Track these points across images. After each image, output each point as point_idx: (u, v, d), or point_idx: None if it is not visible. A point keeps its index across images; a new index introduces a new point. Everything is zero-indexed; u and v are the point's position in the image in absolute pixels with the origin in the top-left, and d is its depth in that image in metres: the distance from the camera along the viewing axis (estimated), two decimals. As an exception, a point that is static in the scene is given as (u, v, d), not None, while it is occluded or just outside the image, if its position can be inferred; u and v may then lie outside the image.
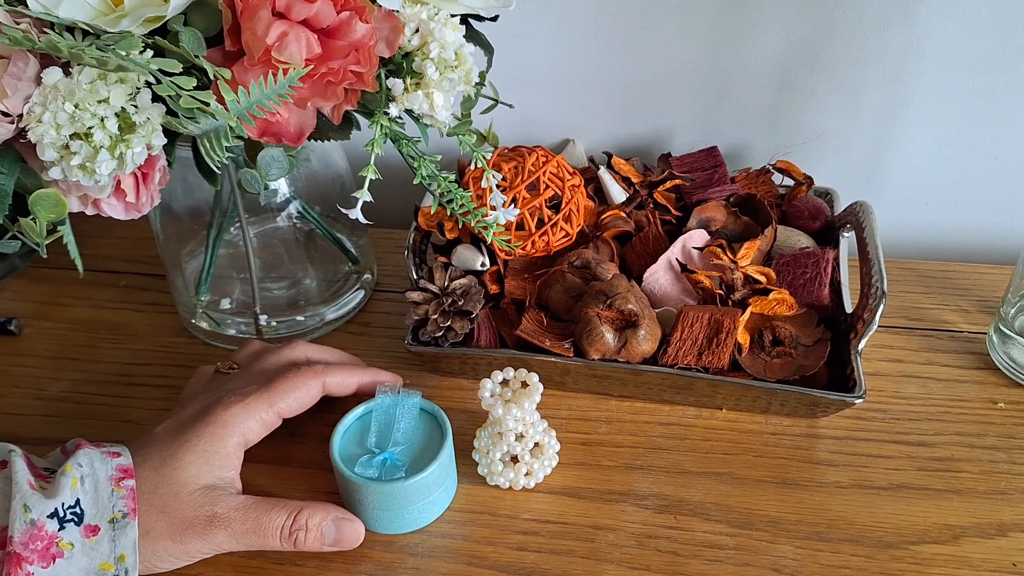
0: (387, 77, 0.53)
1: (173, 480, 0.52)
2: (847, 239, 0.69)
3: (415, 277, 0.67)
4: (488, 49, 0.60)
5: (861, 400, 0.58)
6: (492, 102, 0.61)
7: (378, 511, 0.56)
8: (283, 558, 0.56)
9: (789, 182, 0.74)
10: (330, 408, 0.61)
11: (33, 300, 0.79)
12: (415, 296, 0.65)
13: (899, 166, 0.78)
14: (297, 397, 0.57)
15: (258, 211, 0.70)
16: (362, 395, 0.61)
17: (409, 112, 0.54)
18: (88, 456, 0.51)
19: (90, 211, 0.51)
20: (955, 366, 0.67)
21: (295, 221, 0.71)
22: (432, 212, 0.65)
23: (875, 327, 0.60)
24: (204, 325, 0.72)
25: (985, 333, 0.69)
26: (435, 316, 0.64)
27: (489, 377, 0.57)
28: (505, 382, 0.58)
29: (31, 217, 0.48)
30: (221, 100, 0.46)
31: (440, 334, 0.64)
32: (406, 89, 0.52)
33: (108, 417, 0.67)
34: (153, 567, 0.52)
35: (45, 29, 0.45)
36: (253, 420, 0.55)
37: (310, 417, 0.60)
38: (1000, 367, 0.66)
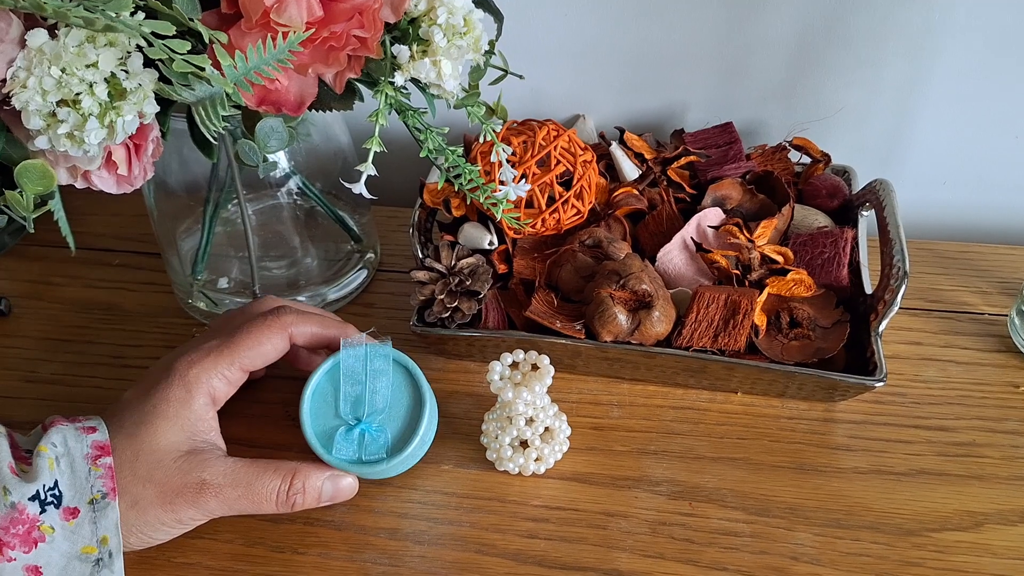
0: (392, 43, 0.50)
1: (153, 447, 0.50)
2: (866, 218, 0.67)
3: (420, 256, 0.65)
4: (498, 16, 0.58)
5: (882, 384, 0.56)
6: (502, 72, 0.59)
7: (362, 480, 0.54)
8: (284, 546, 0.54)
9: (806, 159, 0.72)
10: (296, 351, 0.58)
11: (23, 279, 0.77)
12: (420, 276, 0.63)
13: (918, 144, 0.76)
14: (261, 352, 0.54)
15: (257, 187, 0.67)
16: (333, 349, 0.56)
17: (415, 82, 0.52)
18: (61, 434, 0.49)
19: (80, 184, 0.49)
20: (975, 349, 0.65)
21: (295, 198, 0.69)
22: (438, 188, 0.63)
23: (896, 309, 0.58)
24: (201, 305, 0.70)
25: (1006, 315, 0.67)
26: (441, 296, 0.62)
27: (497, 360, 0.55)
28: (515, 365, 0.56)
29: (17, 190, 0.46)
30: (217, 65, 0.44)
31: (446, 315, 0.62)
32: (412, 56, 0.50)
33: (101, 400, 0.65)
34: (148, 539, 0.50)
35: (31, -12, 0.42)
36: (216, 379, 0.52)
37: (294, 383, 0.57)
38: (1021, 350, 0.64)
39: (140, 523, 0.49)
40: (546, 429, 0.57)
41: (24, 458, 0.49)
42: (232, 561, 0.53)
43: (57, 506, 0.47)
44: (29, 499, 0.46)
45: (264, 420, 0.61)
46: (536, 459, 0.56)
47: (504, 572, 0.52)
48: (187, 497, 0.49)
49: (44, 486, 0.47)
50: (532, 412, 0.55)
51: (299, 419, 0.53)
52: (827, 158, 0.71)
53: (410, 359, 0.54)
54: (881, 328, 0.59)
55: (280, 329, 0.54)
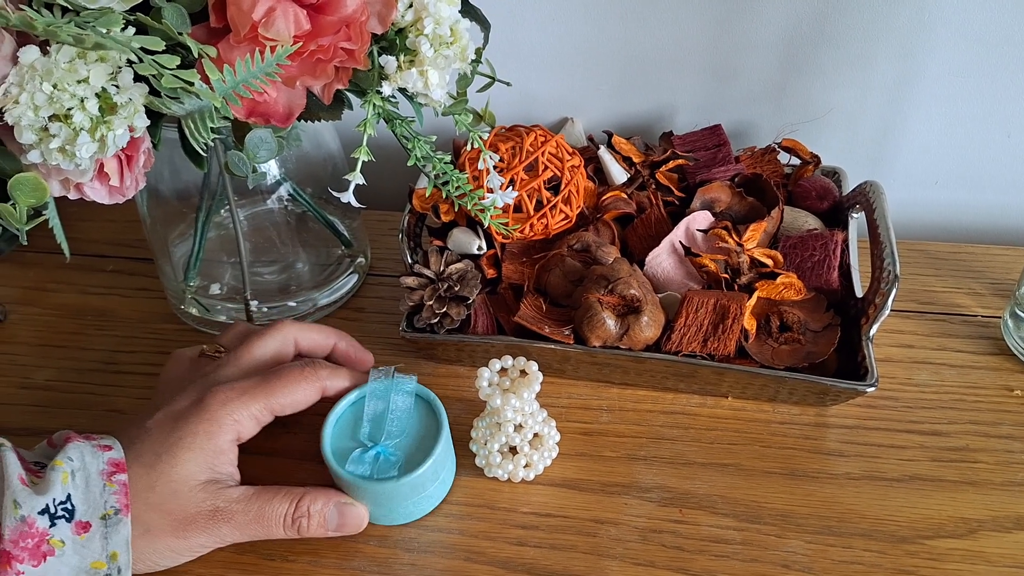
0: (380, 54, 0.50)
1: (170, 478, 0.50)
2: (856, 220, 0.67)
3: (410, 261, 0.65)
4: (484, 25, 0.58)
5: (873, 388, 0.56)
6: (489, 80, 0.59)
7: (372, 507, 0.54)
8: (274, 554, 0.54)
9: (795, 161, 0.72)
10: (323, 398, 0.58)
11: (18, 285, 0.77)
12: (410, 281, 0.63)
13: (909, 144, 0.76)
14: (294, 400, 0.55)
15: (248, 193, 0.68)
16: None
17: (403, 91, 0.52)
18: (79, 449, 0.49)
19: (72, 195, 0.49)
20: (969, 351, 0.65)
21: (286, 203, 0.69)
22: (427, 194, 0.63)
23: (887, 312, 0.58)
24: (193, 311, 0.70)
25: (1000, 317, 0.67)
26: (430, 302, 0.62)
27: (486, 366, 0.55)
28: (503, 371, 0.56)
29: (11, 203, 0.46)
30: (206, 79, 0.44)
31: (436, 320, 0.62)
32: (399, 67, 0.50)
33: (95, 406, 0.65)
34: (154, 564, 0.51)
35: (21, 5, 0.42)
36: (247, 418, 0.53)
37: None
38: (1015, 352, 0.64)
39: (148, 550, 0.50)
40: (535, 435, 0.57)
41: (32, 470, 0.49)
42: (223, 569, 0.53)
43: (69, 520, 0.47)
44: (39, 513, 0.46)
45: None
46: (525, 465, 0.56)
47: (494, 580, 0.52)
48: (200, 524, 0.50)
49: (55, 500, 0.47)
50: (521, 418, 0.55)
51: (320, 440, 0.54)
52: (817, 159, 0.71)
53: (432, 393, 0.56)
54: (872, 332, 0.58)
55: (315, 381, 0.56)
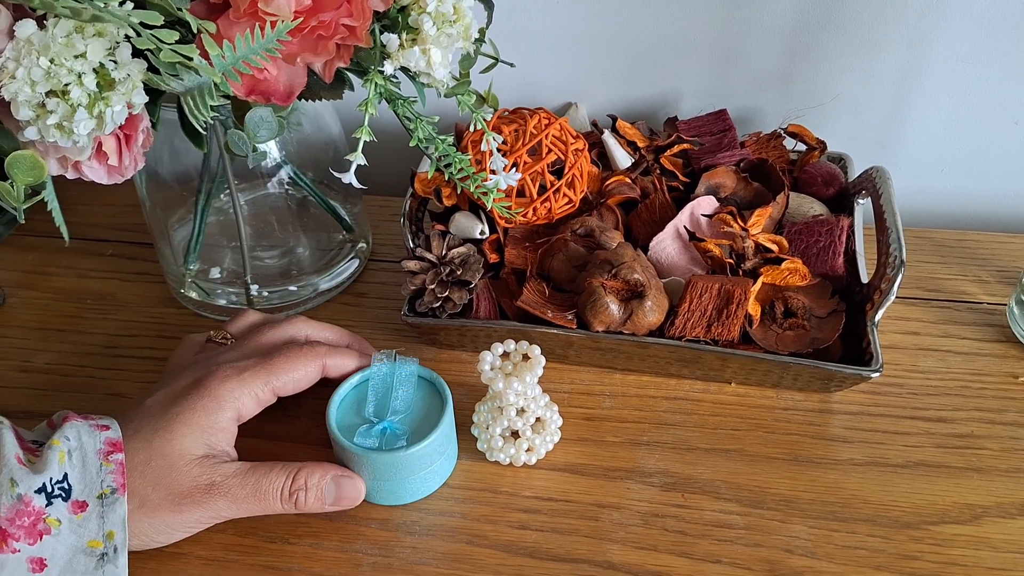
0: (382, 32, 0.50)
1: (167, 452, 0.50)
2: (862, 206, 0.66)
3: (411, 245, 0.65)
4: (488, 4, 0.57)
5: (878, 374, 0.56)
6: (492, 61, 0.58)
7: (379, 482, 0.54)
8: (275, 536, 0.54)
9: (801, 147, 0.72)
10: (324, 382, 0.58)
11: (17, 269, 0.76)
12: (411, 265, 0.62)
13: (915, 131, 0.75)
14: (295, 377, 0.55)
15: (249, 177, 0.67)
16: None
17: (405, 70, 0.51)
18: (76, 429, 0.49)
19: (71, 175, 0.49)
20: (974, 339, 0.64)
21: (287, 188, 0.69)
22: (429, 177, 0.62)
23: (893, 298, 0.57)
24: (193, 295, 0.70)
25: (1005, 304, 0.67)
26: (432, 286, 0.61)
27: (489, 349, 0.55)
28: (505, 355, 0.55)
29: (8, 181, 0.46)
30: (205, 55, 0.44)
31: (437, 305, 0.61)
32: (402, 45, 0.50)
33: (95, 390, 0.65)
34: (151, 540, 0.50)
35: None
36: (248, 396, 0.53)
37: (302, 392, 0.57)
38: (1021, 340, 0.63)
39: (145, 524, 0.49)
40: (537, 419, 0.56)
41: (31, 449, 0.49)
42: (224, 551, 0.53)
43: (65, 499, 0.47)
44: (36, 491, 0.46)
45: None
46: (527, 449, 0.56)
47: (495, 563, 0.52)
48: (196, 499, 0.50)
49: (51, 479, 0.47)
50: (523, 402, 0.55)
51: (325, 418, 0.54)
52: (823, 145, 0.70)
53: (435, 372, 0.57)
54: (877, 318, 0.58)
55: (316, 358, 0.56)
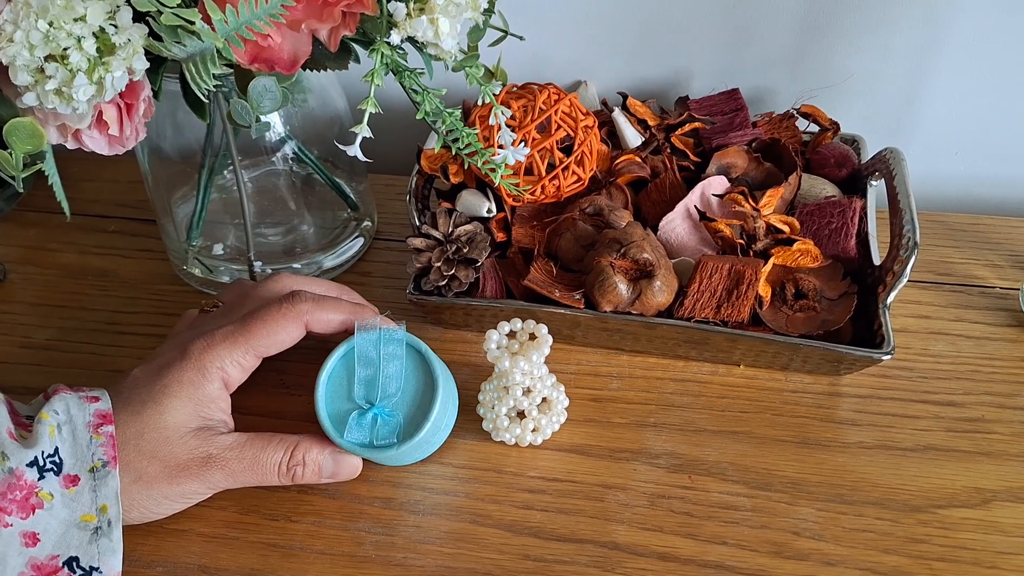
0: (388, 0, 0.49)
1: (160, 425, 0.49)
2: (875, 188, 0.65)
3: (417, 223, 0.64)
4: (498, -25, 0.56)
5: (889, 356, 0.55)
6: (501, 34, 0.57)
7: (376, 464, 0.53)
8: (277, 514, 0.53)
9: (814, 128, 0.71)
10: (324, 356, 0.57)
11: (18, 245, 0.76)
12: (417, 243, 0.62)
13: (930, 113, 0.74)
14: (276, 340, 0.53)
15: (253, 153, 0.66)
16: (350, 332, 0.55)
17: (412, 41, 0.50)
18: (64, 401, 0.49)
19: (70, 144, 0.48)
20: (986, 323, 0.63)
21: (291, 165, 0.68)
22: (436, 153, 0.61)
23: (905, 280, 0.56)
24: (196, 272, 0.69)
25: (1018, 289, 0.66)
26: (438, 264, 0.60)
27: (495, 328, 0.54)
28: (512, 334, 0.54)
29: (7, 150, 0.45)
30: (208, 20, 0.43)
31: (443, 283, 0.60)
32: (409, 14, 0.49)
33: (96, 366, 0.64)
34: (149, 512, 0.50)
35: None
36: (230, 365, 0.52)
37: (304, 367, 0.56)
38: (1033, 324, 0.63)
39: (143, 497, 0.49)
40: (543, 400, 0.55)
41: (24, 424, 0.48)
42: (225, 528, 0.53)
43: (57, 473, 0.46)
44: (27, 465, 0.45)
45: (257, 388, 0.59)
46: (533, 430, 0.55)
47: (499, 543, 0.51)
48: (192, 471, 0.49)
49: (43, 452, 0.46)
50: (529, 382, 0.54)
51: (314, 403, 0.52)
52: (836, 126, 0.69)
53: (424, 343, 0.53)
54: (889, 300, 0.57)
55: (295, 318, 0.53)
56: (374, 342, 0.53)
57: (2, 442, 0.46)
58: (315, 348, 0.56)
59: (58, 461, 0.46)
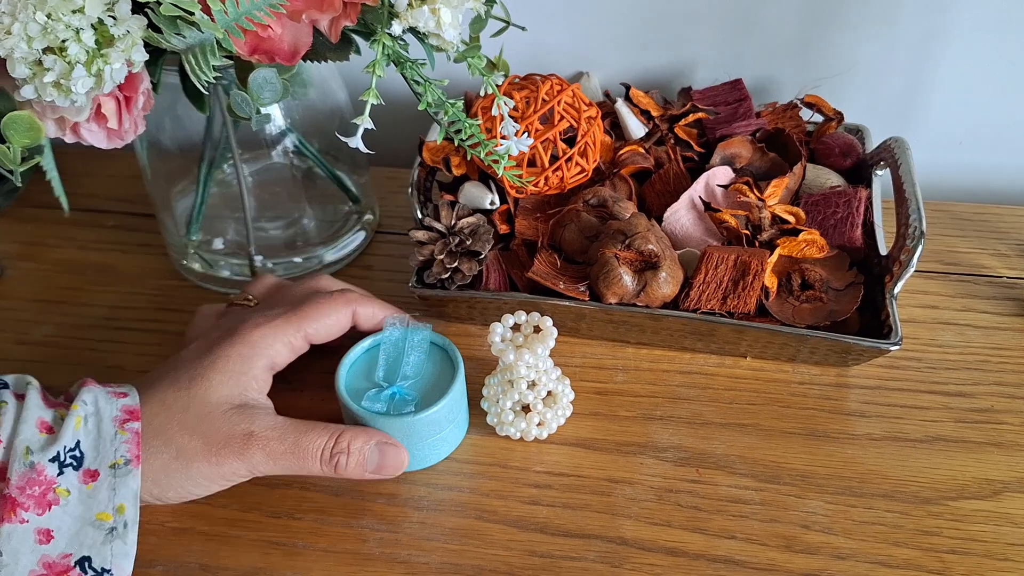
0: (390, -10, 0.48)
1: (204, 399, 0.49)
2: (880, 178, 0.65)
3: (420, 216, 0.63)
4: (499, -36, 0.56)
5: (897, 347, 0.54)
6: (503, 24, 0.57)
7: None
8: (280, 511, 0.52)
9: (818, 118, 0.70)
10: (329, 356, 0.56)
11: (16, 240, 0.75)
12: (420, 235, 0.61)
13: (934, 102, 0.74)
14: (327, 323, 0.54)
15: (253, 146, 0.66)
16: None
17: (413, 31, 0.50)
18: (92, 394, 0.48)
19: (69, 138, 0.47)
20: (994, 313, 0.63)
21: (292, 158, 0.67)
22: (438, 145, 0.61)
23: (912, 269, 0.56)
24: (196, 267, 0.69)
25: (1025, 278, 0.65)
26: (441, 257, 0.60)
27: (499, 321, 0.53)
28: (516, 327, 0.54)
29: (5, 144, 0.45)
30: (207, 10, 0.42)
31: (446, 276, 0.60)
32: (410, 4, 0.48)
33: (95, 363, 0.63)
34: (187, 493, 0.49)
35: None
36: (280, 343, 0.52)
37: (307, 366, 0.57)
38: (1042, 314, 0.62)
39: (182, 475, 0.48)
40: (548, 393, 0.55)
41: (60, 404, 0.48)
42: (227, 526, 0.52)
43: (76, 468, 0.45)
44: (49, 460, 0.45)
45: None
46: (538, 424, 0.54)
47: (505, 539, 0.50)
48: (233, 448, 0.48)
49: (65, 447, 0.45)
50: (534, 375, 0.54)
51: (334, 385, 0.53)
52: (840, 116, 0.69)
53: (447, 339, 0.55)
54: (897, 290, 0.57)
55: (346, 305, 0.55)
56: (400, 335, 0.55)
57: (29, 434, 0.45)
58: (322, 351, 0.57)
59: (78, 455, 0.46)
